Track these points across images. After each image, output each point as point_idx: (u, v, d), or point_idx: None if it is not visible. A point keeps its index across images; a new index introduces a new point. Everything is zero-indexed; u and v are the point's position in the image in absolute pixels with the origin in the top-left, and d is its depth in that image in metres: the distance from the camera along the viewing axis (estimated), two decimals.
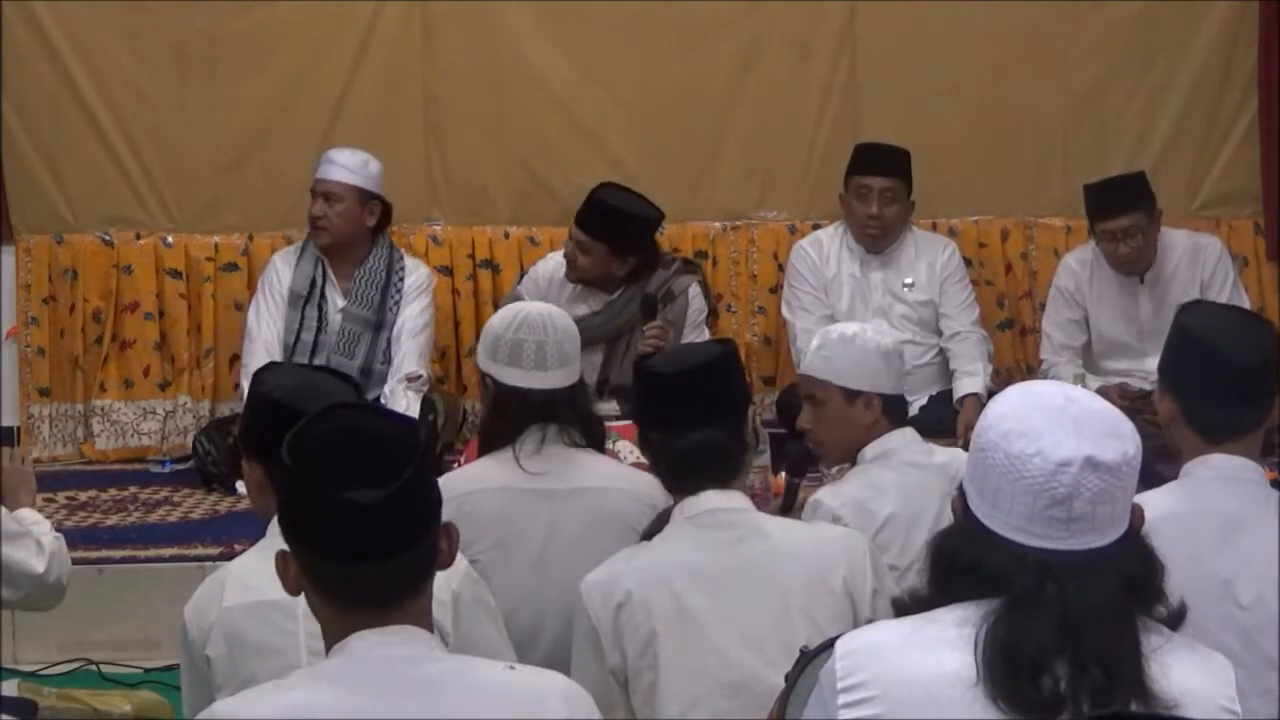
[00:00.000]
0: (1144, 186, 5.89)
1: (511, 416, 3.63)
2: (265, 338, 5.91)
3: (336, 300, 5.94)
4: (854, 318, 5.87)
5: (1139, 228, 5.82)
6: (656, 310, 5.64)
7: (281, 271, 5.99)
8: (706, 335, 5.85)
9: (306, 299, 5.92)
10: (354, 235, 5.90)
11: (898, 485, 3.58)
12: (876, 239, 6.02)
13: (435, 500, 2.19)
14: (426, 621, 2.21)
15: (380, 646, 2.15)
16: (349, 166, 5.91)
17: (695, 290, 5.86)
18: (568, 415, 3.65)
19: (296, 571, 2.20)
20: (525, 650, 3.31)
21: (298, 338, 5.91)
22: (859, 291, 6.05)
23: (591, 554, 3.32)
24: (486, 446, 3.70)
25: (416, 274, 6.01)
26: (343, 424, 2.18)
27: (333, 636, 2.19)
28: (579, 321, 5.66)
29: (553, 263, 5.91)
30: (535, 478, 3.57)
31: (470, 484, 3.56)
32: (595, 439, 3.75)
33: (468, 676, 2.18)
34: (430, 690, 2.13)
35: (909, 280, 6.04)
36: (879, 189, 5.96)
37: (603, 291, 5.78)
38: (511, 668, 2.24)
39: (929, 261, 6.08)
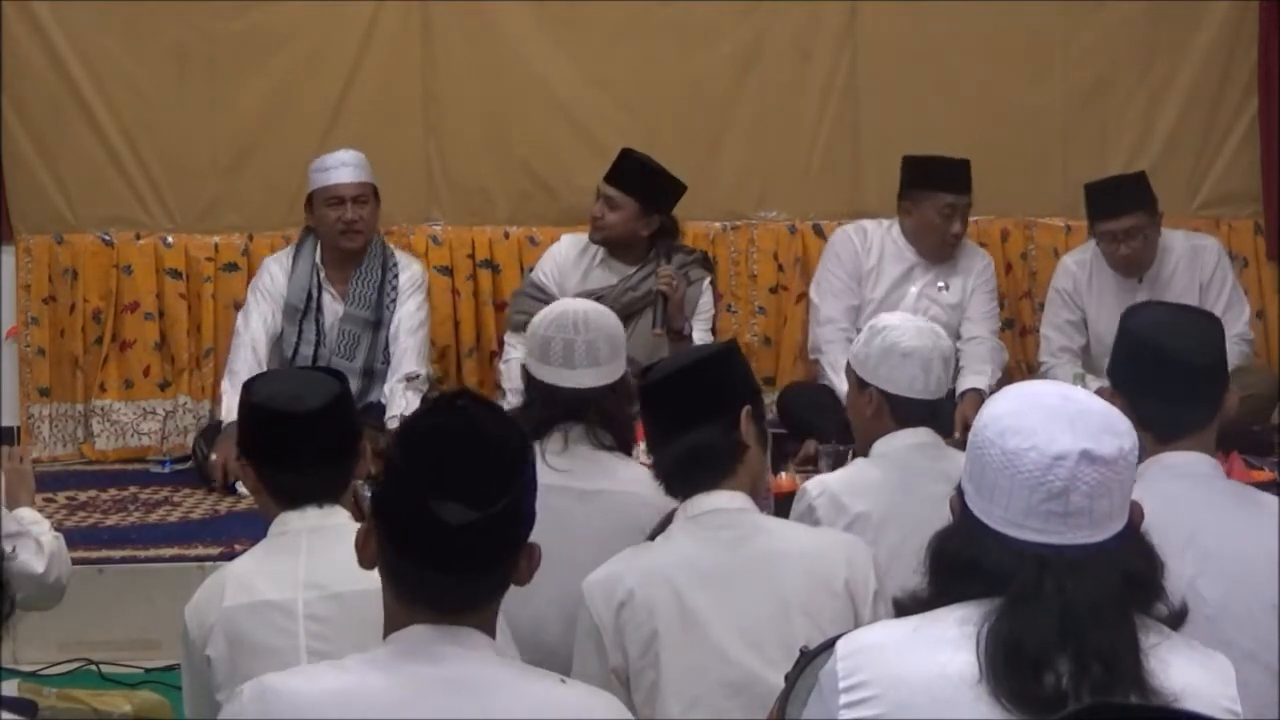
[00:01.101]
0: (1145, 187, 5.88)
1: (536, 412, 3.65)
2: (253, 334, 5.90)
3: (335, 308, 5.94)
4: (884, 310, 5.90)
5: (1140, 228, 5.82)
6: (673, 258, 5.75)
7: (275, 275, 5.99)
8: (711, 336, 5.88)
9: (304, 313, 5.92)
10: (373, 233, 5.97)
11: (882, 484, 3.55)
12: (947, 254, 6.01)
13: (528, 520, 2.17)
14: (490, 627, 2.19)
15: (437, 643, 2.14)
16: (362, 165, 5.96)
17: (708, 285, 5.92)
18: (595, 417, 3.64)
19: (375, 551, 2.19)
20: (527, 646, 3.31)
21: (296, 351, 5.89)
22: (896, 289, 6.02)
23: (604, 555, 3.33)
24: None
25: (410, 270, 6.03)
26: (459, 426, 2.13)
27: (394, 624, 2.18)
28: (595, 295, 5.75)
29: (567, 241, 5.99)
30: (559, 474, 3.54)
31: None
32: (623, 442, 3.73)
33: (519, 684, 2.17)
34: (480, 692, 2.12)
35: (943, 284, 6.03)
36: (962, 206, 5.94)
37: (623, 262, 5.83)
38: (563, 681, 2.23)
39: (967, 268, 6.06)
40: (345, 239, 5.91)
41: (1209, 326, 3.09)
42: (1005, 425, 2.11)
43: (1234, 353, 5.86)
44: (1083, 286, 6.03)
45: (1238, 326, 5.97)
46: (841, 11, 6.54)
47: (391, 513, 2.13)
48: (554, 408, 3.62)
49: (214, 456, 5.69)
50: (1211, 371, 3.00)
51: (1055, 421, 2.09)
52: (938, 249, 6.00)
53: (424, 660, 2.13)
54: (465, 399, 2.19)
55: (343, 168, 5.93)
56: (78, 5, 6.42)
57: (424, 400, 5.74)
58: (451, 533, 2.07)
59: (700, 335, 5.81)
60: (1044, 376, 5.87)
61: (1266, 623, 2.81)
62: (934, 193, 5.94)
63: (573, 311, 3.69)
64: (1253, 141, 6.56)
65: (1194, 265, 6.01)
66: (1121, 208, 5.81)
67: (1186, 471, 2.91)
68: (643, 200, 5.81)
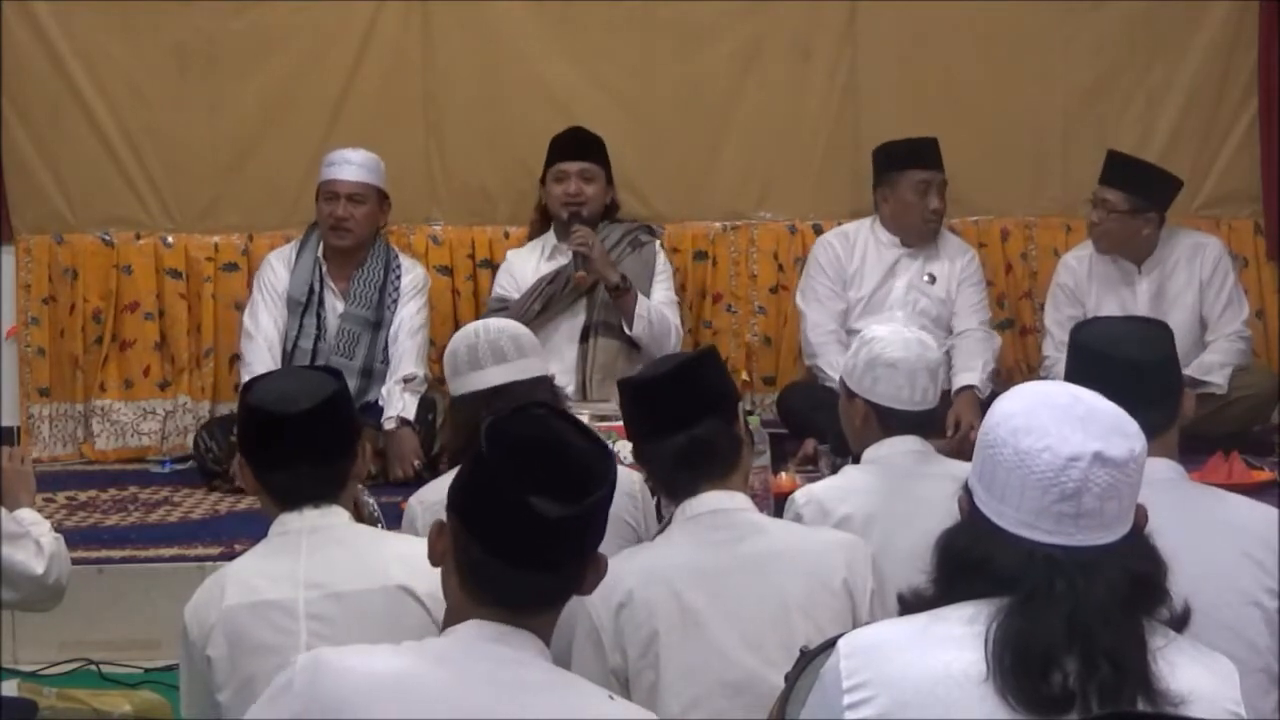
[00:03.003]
0: (1153, 180, 5.94)
1: (463, 423, 3.66)
2: (265, 333, 5.92)
3: (336, 305, 5.95)
4: (873, 308, 5.90)
5: (1115, 207, 5.89)
6: (582, 219, 5.89)
7: (279, 271, 6.01)
8: (674, 294, 6.03)
9: (305, 307, 5.93)
10: (370, 235, 5.97)
11: (868, 488, 3.56)
12: (930, 232, 6.05)
13: (601, 529, 2.23)
14: (547, 635, 2.23)
15: (493, 641, 2.18)
16: (367, 166, 5.95)
17: (659, 246, 6.08)
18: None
19: (447, 547, 2.23)
20: None
21: (296, 345, 5.91)
22: (883, 284, 6.04)
23: None
24: (453, 462, 3.72)
25: (413, 274, 6.05)
26: (548, 428, 2.21)
27: (454, 617, 2.22)
28: (557, 275, 5.84)
29: (512, 252, 6.15)
30: None
31: (442, 493, 3.53)
32: None
33: (567, 694, 2.20)
34: (529, 696, 2.14)
35: (929, 275, 6.04)
36: (937, 182, 5.99)
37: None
38: (611, 697, 2.26)
39: (951, 262, 6.09)
40: (334, 235, 5.92)
41: (1156, 333, 3.14)
42: (1017, 425, 2.12)
43: (1230, 350, 5.94)
44: (1083, 281, 6.07)
45: (1235, 324, 6.00)
46: (841, 11, 6.54)
47: (482, 507, 2.17)
48: (474, 413, 3.59)
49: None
50: (1161, 376, 3.03)
51: (1067, 422, 2.11)
52: (920, 229, 6.02)
53: (478, 656, 2.16)
54: (543, 408, 2.26)
55: (345, 165, 5.94)
56: (78, 5, 6.42)
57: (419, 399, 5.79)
58: (547, 526, 2.12)
59: (662, 294, 5.96)
60: (1048, 369, 5.91)
61: (1240, 621, 2.82)
62: (905, 171, 5.99)
63: (471, 325, 3.80)
64: (1253, 141, 6.56)
65: (1194, 262, 6.04)
66: (1109, 179, 5.91)
67: (1149, 478, 2.92)
68: (606, 167, 6.00)
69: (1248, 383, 5.93)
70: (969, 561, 2.13)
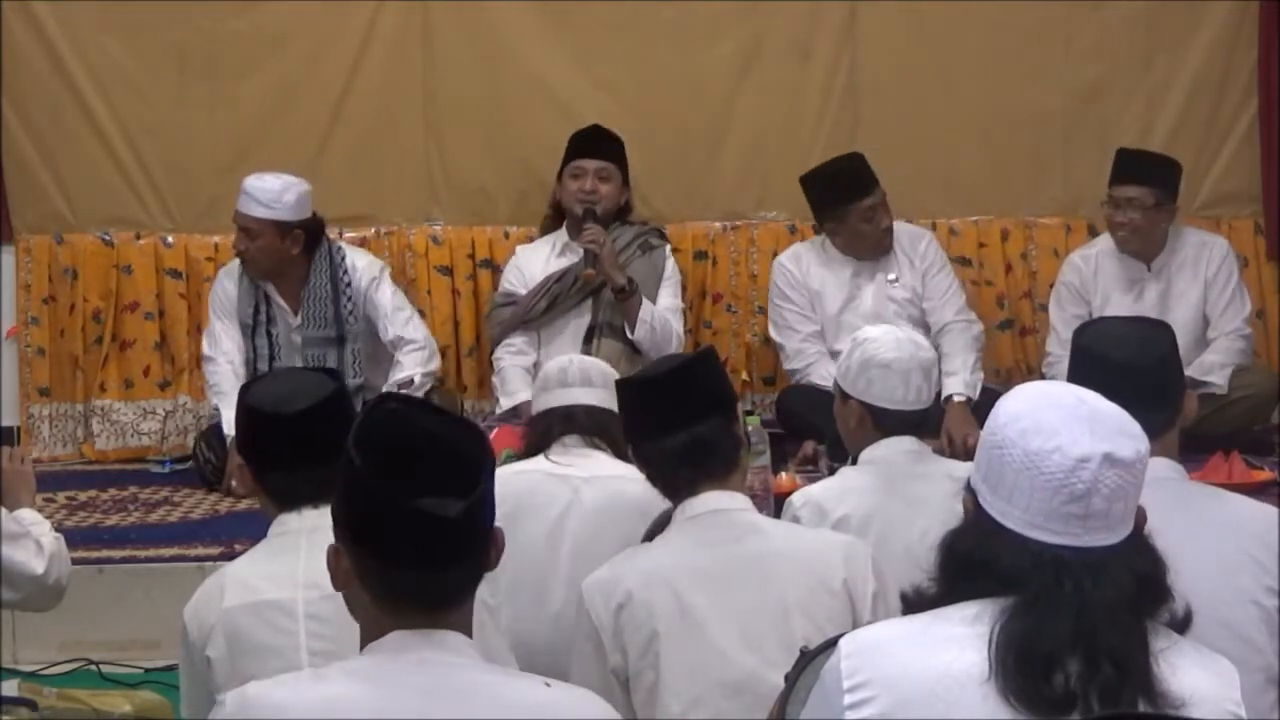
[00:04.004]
0: (1168, 171, 5.94)
1: (534, 440, 3.88)
2: (226, 353, 5.82)
3: (288, 321, 5.85)
4: (843, 326, 5.87)
5: (1142, 204, 5.87)
6: (595, 217, 5.89)
7: (229, 288, 5.91)
8: (679, 301, 6.04)
9: (253, 328, 5.84)
10: (281, 264, 5.80)
11: (864, 489, 3.57)
12: (886, 246, 6.02)
13: (493, 506, 2.17)
14: (468, 626, 2.19)
15: (419, 649, 2.13)
16: (262, 199, 5.73)
17: (669, 251, 6.09)
18: (590, 426, 3.82)
19: (348, 568, 2.16)
20: (529, 623, 3.53)
21: (255, 369, 5.78)
22: (849, 300, 6.03)
23: (605, 530, 3.54)
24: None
25: (359, 269, 5.88)
26: (413, 425, 2.13)
27: (372, 633, 2.17)
28: (565, 273, 5.87)
29: (520, 249, 6.16)
30: (558, 466, 3.76)
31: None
32: (620, 453, 3.83)
33: (503, 690, 2.16)
34: (463, 699, 2.11)
35: (892, 276, 6.03)
36: (879, 200, 5.94)
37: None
38: (547, 684, 2.21)
39: (909, 255, 6.07)
40: (242, 265, 5.83)
41: (1157, 334, 3.15)
42: (1025, 426, 2.12)
43: (1230, 350, 5.95)
44: (1089, 280, 6.06)
45: (1235, 322, 6.01)
46: (841, 11, 6.54)
47: (367, 523, 2.11)
48: (551, 425, 3.82)
49: (230, 473, 5.63)
50: (1162, 378, 3.04)
51: (1075, 423, 2.11)
52: (875, 249, 6.01)
53: (407, 668, 2.12)
54: (395, 402, 2.20)
55: (244, 196, 5.75)
56: (78, 5, 6.42)
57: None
58: (444, 525, 2.07)
59: (668, 299, 5.97)
60: (1051, 365, 5.92)
61: (1238, 620, 2.83)
62: (847, 206, 5.93)
63: (566, 356, 4.05)
64: (1253, 141, 6.56)
65: (1200, 260, 6.05)
66: (1130, 177, 5.89)
67: (1149, 478, 2.92)
68: (623, 169, 6.00)
69: (1248, 383, 5.93)
70: (975, 562, 2.13)
